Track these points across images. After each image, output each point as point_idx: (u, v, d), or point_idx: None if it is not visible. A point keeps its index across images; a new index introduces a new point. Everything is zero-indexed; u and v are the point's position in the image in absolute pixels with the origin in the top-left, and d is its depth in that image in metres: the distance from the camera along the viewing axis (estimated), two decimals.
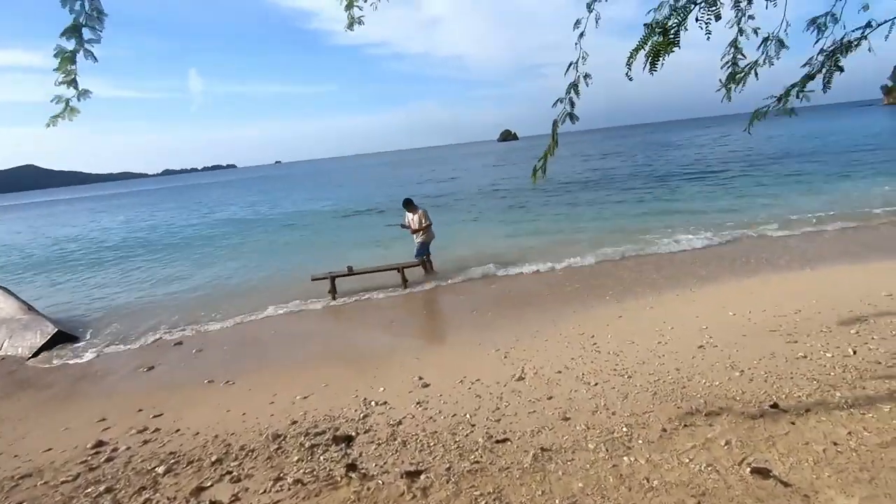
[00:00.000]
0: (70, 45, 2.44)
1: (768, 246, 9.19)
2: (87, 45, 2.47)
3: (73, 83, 2.47)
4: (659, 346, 4.94)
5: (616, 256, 9.52)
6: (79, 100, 2.52)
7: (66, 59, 2.43)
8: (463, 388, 4.48)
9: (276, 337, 6.98)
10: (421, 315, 7.60)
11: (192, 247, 16.73)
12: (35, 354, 7.23)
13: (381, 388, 4.71)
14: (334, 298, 8.59)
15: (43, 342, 7.39)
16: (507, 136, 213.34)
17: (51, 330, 7.54)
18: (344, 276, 8.78)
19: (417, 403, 4.29)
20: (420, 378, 4.83)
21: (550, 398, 4.09)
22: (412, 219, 9.21)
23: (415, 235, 9.31)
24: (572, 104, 2.99)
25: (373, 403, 4.39)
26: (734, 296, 6.43)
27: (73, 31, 2.43)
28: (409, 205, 9.25)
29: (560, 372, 4.58)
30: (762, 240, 9.72)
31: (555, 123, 2.96)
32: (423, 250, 9.34)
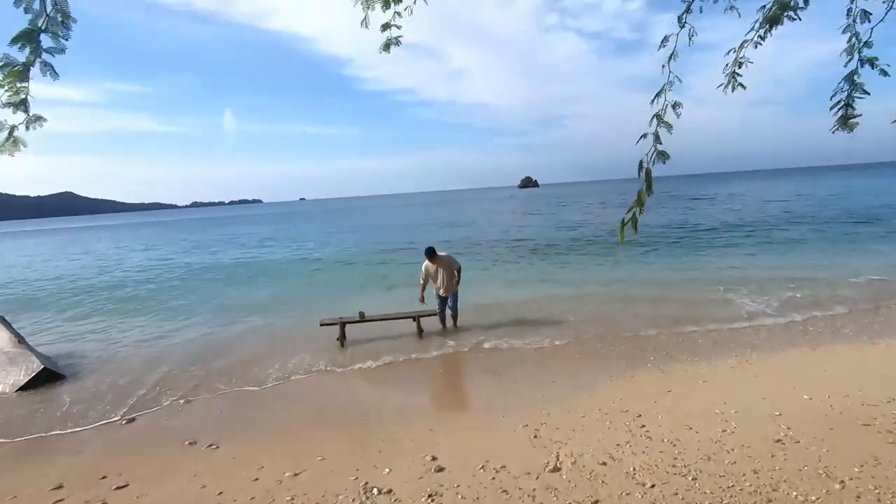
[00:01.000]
0: (22, 55, 1.92)
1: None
2: (45, 56, 1.95)
3: (21, 105, 1.93)
4: (724, 435, 4.07)
5: (654, 314, 8.68)
6: (28, 128, 1.97)
7: (15, 74, 1.89)
8: (485, 478, 3.67)
9: (276, 392, 6.27)
10: (436, 374, 6.79)
11: (202, 283, 16.35)
12: (18, 390, 6.67)
13: (387, 470, 3.92)
14: (343, 346, 7.90)
15: (26, 380, 6.81)
16: (528, 182, 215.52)
17: (36, 367, 6.97)
18: (355, 322, 8.11)
19: (429, 497, 3.48)
20: (433, 459, 4.03)
21: (597, 503, 3.25)
22: (430, 270, 7.95)
23: (436, 288, 8.18)
24: (659, 139, 2.37)
25: (374, 491, 3.60)
26: (801, 371, 5.52)
27: (28, 37, 1.91)
28: (430, 255, 7.82)
29: (604, 464, 3.74)
30: (820, 305, 8.76)
31: (641, 165, 2.33)
32: (446, 303, 8.28)
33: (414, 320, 8.20)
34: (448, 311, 8.32)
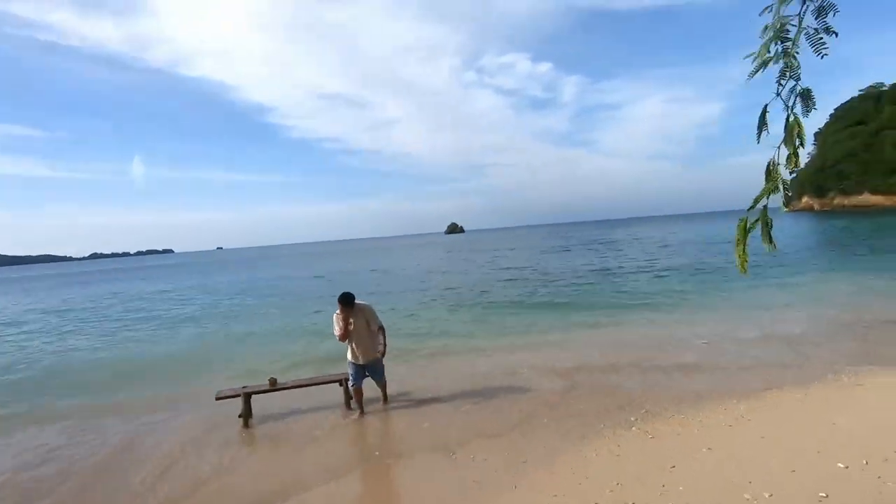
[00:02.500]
0: None
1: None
2: None
3: None
4: None
5: (618, 356, 7.80)
6: None
7: None
8: None
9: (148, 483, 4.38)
10: (371, 457, 5.23)
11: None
12: None
13: None
14: (247, 426, 6.10)
15: None
16: (454, 228, 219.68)
17: None
18: (264, 392, 6.37)
19: None
20: None
21: None
22: (339, 321, 5.68)
23: (350, 350, 5.89)
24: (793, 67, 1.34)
25: None
26: (808, 426, 4.66)
27: None
28: (345, 303, 5.56)
29: None
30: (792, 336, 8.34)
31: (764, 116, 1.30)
32: (363, 373, 5.98)
33: (341, 384, 6.61)
34: (367, 383, 6.13)
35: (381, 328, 5.96)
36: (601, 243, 44.35)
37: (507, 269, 26.67)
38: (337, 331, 5.73)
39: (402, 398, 6.65)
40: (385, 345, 6.06)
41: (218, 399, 6.24)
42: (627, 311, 12.20)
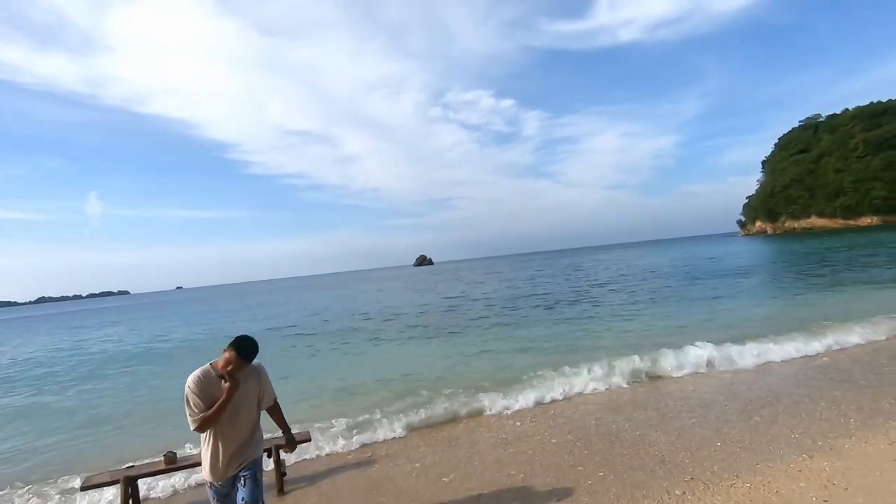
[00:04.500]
0: None
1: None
2: None
3: None
4: None
5: (597, 398, 6.33)
6: None
7: None
8: None
9: None
10: None
11: None
12: None
13: None
14: None
15: None
16: (423, 261, 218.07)
17: None
18: (156, 473, 4.55)
19: None
20: None
21: None
22: (208, 394, 2.92)
23: (209, 451, 3.03)
24: None
25: None
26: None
27: None
28: (245, 353, 2.97)
29: None
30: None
31: None
32: (228, 496, 3.10)
33: (269, 455, 4.87)
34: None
35: (278, 409, 3.41)
36: (573, 269, 43.79)
37: (475, 299, 25.30)
38: (193, 414, 2.88)
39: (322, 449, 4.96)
40: (289, 430, 3.49)
41: (83, 489, 4.37)
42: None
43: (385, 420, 6.22)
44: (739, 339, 8.50)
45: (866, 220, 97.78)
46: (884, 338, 8.41)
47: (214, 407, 2.88)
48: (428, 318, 18.00)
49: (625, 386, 6.93)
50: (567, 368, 7.68)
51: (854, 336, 8.35)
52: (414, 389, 7.83)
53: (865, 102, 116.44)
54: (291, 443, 3.53)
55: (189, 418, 2.90)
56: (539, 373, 7.75)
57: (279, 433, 3.58)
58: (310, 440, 5.18)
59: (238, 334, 3.07)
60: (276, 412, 3.42)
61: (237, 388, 2.95)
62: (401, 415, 6.41)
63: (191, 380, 2.91)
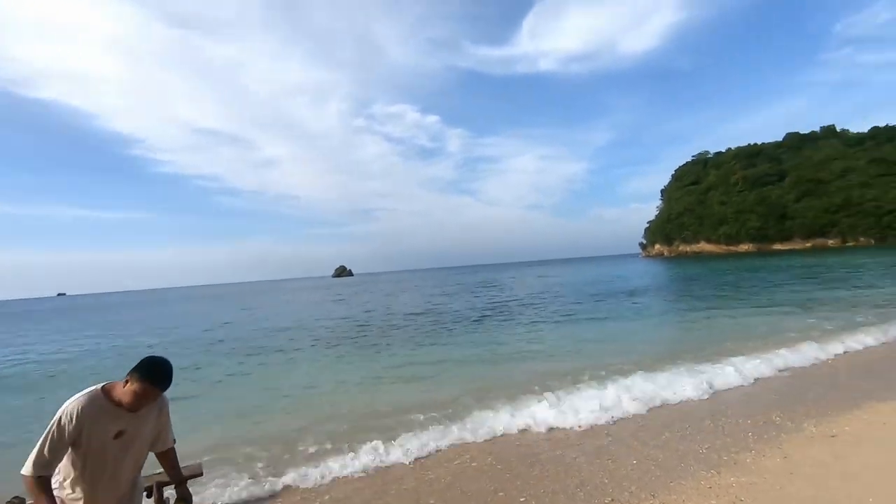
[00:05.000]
0: None
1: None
2: None
3: None
4: None
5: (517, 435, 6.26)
6: None
7: None
8: None
9: None
10: None
11: None
12: None
13: None
14: None
15: None
16: (342, 272, 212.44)
17: None
18: None
19: None
20: None
21: None
22: (92, 427, 2.17)
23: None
24: None
25: None
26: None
27: None
28: (160, 382, 2.26)
29: None
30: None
31: None
32: None
33: (149, 495, 4.13)
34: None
35: (172, 457, 2.64)
36: (489, 286, 44.71)
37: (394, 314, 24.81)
38: (53, 452, 2.12)
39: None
40: (184, 483, 2.67)
41: None
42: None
43: (287, 456, 5.63)
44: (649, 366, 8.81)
45: (744, 247, 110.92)
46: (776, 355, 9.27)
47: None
48: (339, 334, 17.25)
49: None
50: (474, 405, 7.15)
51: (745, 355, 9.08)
52: (321, 422, 7.27)
53: (745, 143, 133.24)
54: (186, 499, 2.62)
55: (36, 456, 2.08)
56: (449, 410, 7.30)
57: (161, 468, 2.86)
58: (201, 474, 4.50)
59: (147, 355, 2.34)
60: (169, 457, 2.63)
61: (120, 427, 2.24)
62: (309, 448, 5.85)
63: (73, 407, 2.12)
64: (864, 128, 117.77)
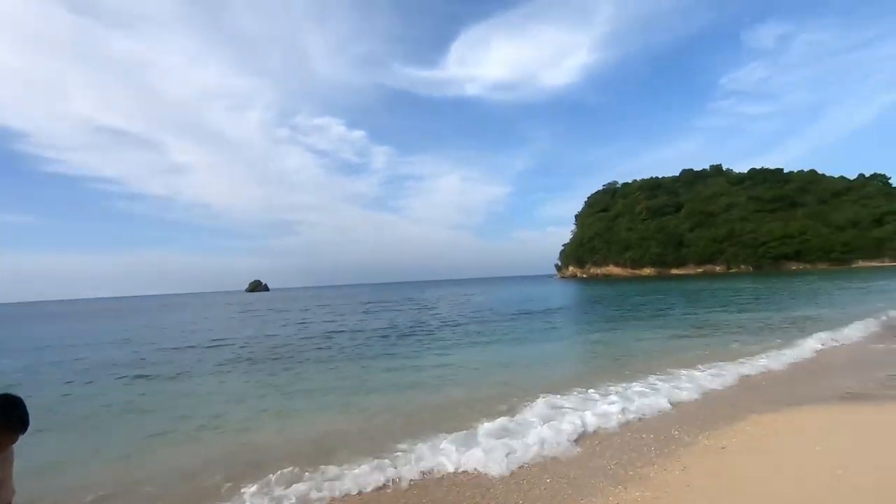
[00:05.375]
0: None
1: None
2: None
3: None
4: None
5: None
6: None
7: None
8: None
9: None
10: None
11: None
12: None
13: None
14: None
15: None
16: (257, 286, 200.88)
17: None
18: None
19: None
20: None
21: None
22: None
23: None
24: None
25: None
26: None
27: None
28: (14, 419, 2.07)
29: None
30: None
31: None
32: None
33: None
34: None
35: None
36: (415, 302, 44.53)
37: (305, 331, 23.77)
38: None
39: None
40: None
41: None
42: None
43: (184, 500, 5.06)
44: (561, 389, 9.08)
45: (646, 271, 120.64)
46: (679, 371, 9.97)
47: None
48: (249, 355, 16.16)
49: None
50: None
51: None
52: (226, 457, 6.67)
53: (648, 176, 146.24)
54: None
55: None
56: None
57: None
58: None
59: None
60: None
61: None
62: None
63: None
64: (744, 168, 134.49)
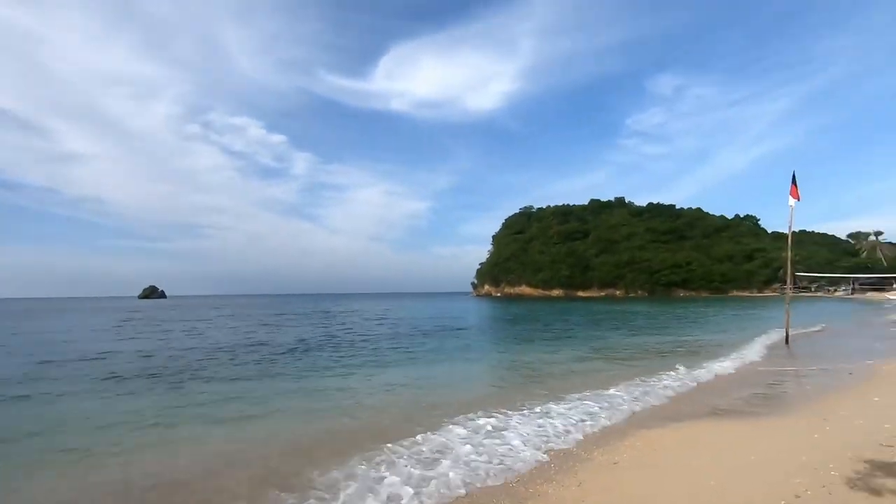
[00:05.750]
0: None
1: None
2: None
3: None
4: None
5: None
6: None
7: None
8: None
9: None
10: None
11: None
12: None
13: None
14: None
15: None
16: (151, 293, 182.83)
17: None
18: None
19: None
20: None
21: None
22: None
23: None
24: None
25: None
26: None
27: None
28: None
29: None
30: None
31: None
32: None
33: None
34: None
35: None
36: (326, 314, 43.00)
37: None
38: None
39: None
40: None
41: None
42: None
43: None
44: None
45: (556, 292, 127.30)
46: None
47: None
48: (134, 370, 14.56)
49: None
50: None
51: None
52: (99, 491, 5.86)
53: (560, 203, 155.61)
54: None
55: None
56: None
57: None
58: None
59: None
60: None
61: None
62: None
63: None
64: (643, 202, 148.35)
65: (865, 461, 4.85)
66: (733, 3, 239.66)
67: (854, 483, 4.32)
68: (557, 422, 7.35)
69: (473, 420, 7.44)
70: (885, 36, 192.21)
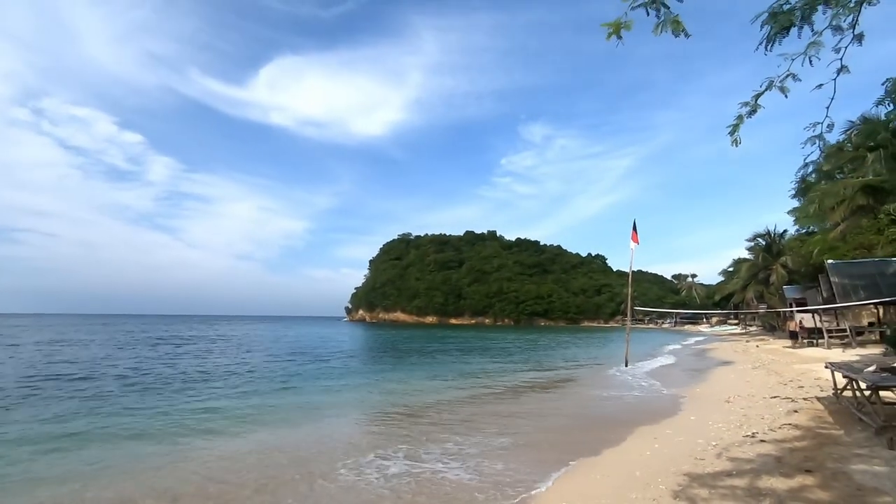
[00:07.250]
0: None
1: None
2: None
3: None
4: None
5: None
6: None
7: None
8: None
9: None
10: None
11: None
12: None
13: None
14: None
15: None
16: None
17: None
18: None
19: None
20: None
21: None
22: None
23: None
24: None
25: None
26: None
27: None
28: None
29: None
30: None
31: None
32: None
33: None
34: None
35: None
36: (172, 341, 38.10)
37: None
38: None
39: None
40: None
41: None
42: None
43: None
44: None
45: (430, 318, 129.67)
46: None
47: None
48: None
49: None
50: None
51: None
52: None
53: (438, 232, 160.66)
54: None
55: None
56: None
57: None
58: None
59: None
60: None
61: None
62: None
63: None
64: (513, 236, 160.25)
65: (685, 474, 5.60)
66: (589, 70, 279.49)
67: (677, 494, 4.94)
68: (433, 466, 7.29)
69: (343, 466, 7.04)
70: (701, 116, 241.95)
